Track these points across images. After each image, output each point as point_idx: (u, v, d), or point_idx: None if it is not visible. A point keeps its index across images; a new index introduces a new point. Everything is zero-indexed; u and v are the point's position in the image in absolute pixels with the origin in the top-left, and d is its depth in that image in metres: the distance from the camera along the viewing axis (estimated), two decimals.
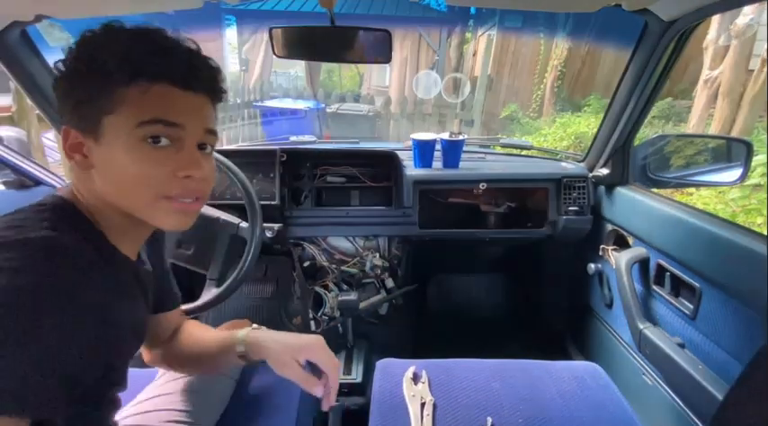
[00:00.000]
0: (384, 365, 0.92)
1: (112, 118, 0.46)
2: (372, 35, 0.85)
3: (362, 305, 1.37)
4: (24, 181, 1.23)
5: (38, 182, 1.23)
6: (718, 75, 4.04)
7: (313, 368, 0.64)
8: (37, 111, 1.35)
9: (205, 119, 0.51)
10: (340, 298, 1.30)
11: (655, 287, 1.05)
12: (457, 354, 0.95)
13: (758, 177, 2.67)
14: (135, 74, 0.45)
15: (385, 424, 0.77)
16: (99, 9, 0.86)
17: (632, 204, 1.16)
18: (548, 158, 1.56)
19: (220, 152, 1.13)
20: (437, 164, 1.40)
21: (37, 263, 0.40)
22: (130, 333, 0.56)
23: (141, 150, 0.47)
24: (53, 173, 1.28)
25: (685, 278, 0.93)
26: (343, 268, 1.42)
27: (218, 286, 1.07)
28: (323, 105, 6.04)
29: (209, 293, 1.05)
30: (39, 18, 0.86)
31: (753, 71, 3.90)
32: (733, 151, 1.14)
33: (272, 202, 1.23)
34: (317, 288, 1.43)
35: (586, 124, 5.23)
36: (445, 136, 1.37)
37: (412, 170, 1.34)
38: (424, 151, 1.37)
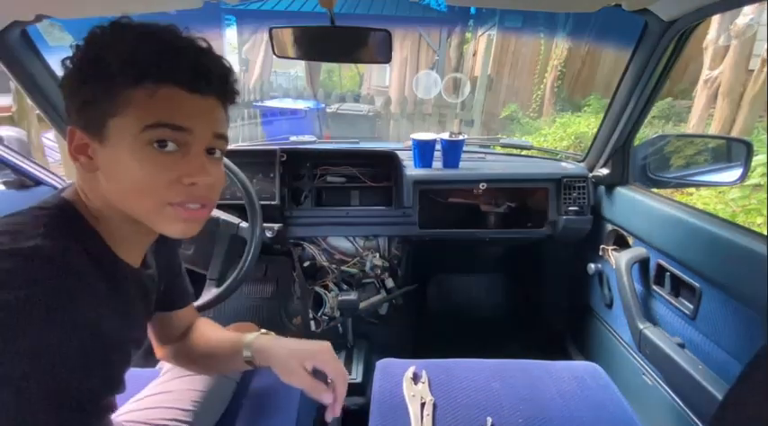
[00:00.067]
0: (384, 365, 0.92)
1: (117, 120, 0.44)
2: (372, 35, 0.85)
3: (362, 305, 1.37)
4: (24, 181, 1.23)
5: (38, 182, 1.23)
6: (718, 75, 4.04)
7: (319, 376, 0.62)
8: (37, 111, 1.35)
9: (214, 122, 0.49)
10: (340, 298, 1.30)
11: (655, 287, 1.05)
12: (457, 354, 0.95)
13: (758, 177, 2.67)
14: (140, 76, 0.44)
15: (385, 424, 0.77)
16: (99, 9, 0.86)
17: (632, 204, 1.16)
18: (548, 158, 1.56)
19: None
20: (437, 164, 1.40)
21: (24, 277, 0.39)
22: (127, 341, 0.55)
23: (147, 154, 0.45)
24: (53, 173, 1.28)
25: (685, 278, 0.93)
26: (343, 268, 1.42)
27: (218, 286, 1.07)
28: (323, 105, 6.04)
29: (209, 293, 1.06)
30: (39, 18, 0.86)
31: (753, 71, 3.90)
32: (733, 151, 1.14)
33: (272, 202, 1.23)
34: (317, 288, 1.43)
35: (586, 124, 5.23)
36: (445, 136, 1.37)
37: (412, 170, 1.34)
38: (424, 151, 1.37)
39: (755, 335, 0.76)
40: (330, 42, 0.89)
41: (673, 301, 0.98)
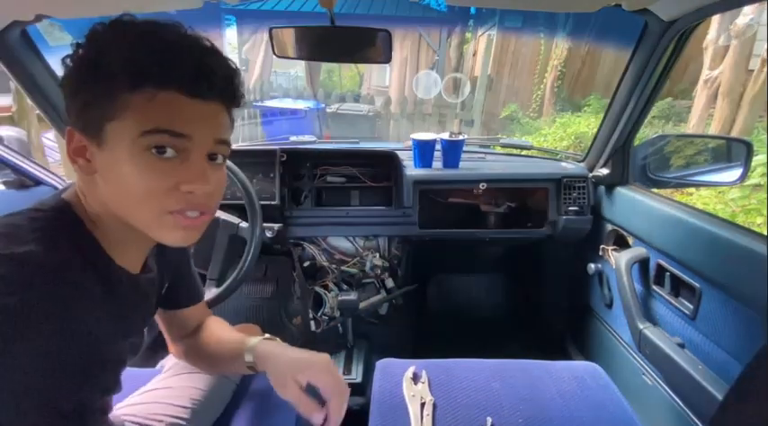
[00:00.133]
0: (384, 365, 0.92)
1: (116, 124, 0.43)
2: (372, 35, 0.85)
3: (362, 305, 1.37)
4: (24, 181, 1.23)
5: (38, 182, 1.23)
6: (718, 75, 4.04)
7: (315, 392, 0.58)
8: (37, 111, 1.35)
9: (216, 128, 0.48)
10: (340, 298, 1.30)
11: (655, 287, 1.05)
12: (457, 354, 0.95)
13: (758, 177, 2.67)
14: (139, 80, 0.42)
15: (385, 424, 0.77)
16: (99, 9, 0.86)
17: (632, 204, 1.16)
18: (548, 158, 1.56)
19: None
20: (437, 164, 1.40)
21: (18, 282, 0.39)
22: (124, 346, 0.54)
23: (145, 160, 0.43)
24: (53, 173, 1.28)
25: (685, 278, 0.93)
26: (343, 268, 1.42)
27: (217, 286, 1.07)
28: (323, 105, 6.04)
29: (208, 293, 1.05)
30: (39, 18, 0.86)
31: (753, 71, 3.90)
32: (733, 151, 1.14)
33: (272, 202, 1.23)
34: (317, 288, 1.43)
35: (586, 124, 5.23)
36: (445, 136, 1.37)
37: (412, 170, 1.34)
38: (423, 151, 1.37)
39: (755, 335, 0.76)
40: (330, 42, 0.89)
41: (673, 301, 0.98)
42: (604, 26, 5.39)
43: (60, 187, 1.05)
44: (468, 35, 7.43)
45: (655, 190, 1.19)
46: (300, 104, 5.89)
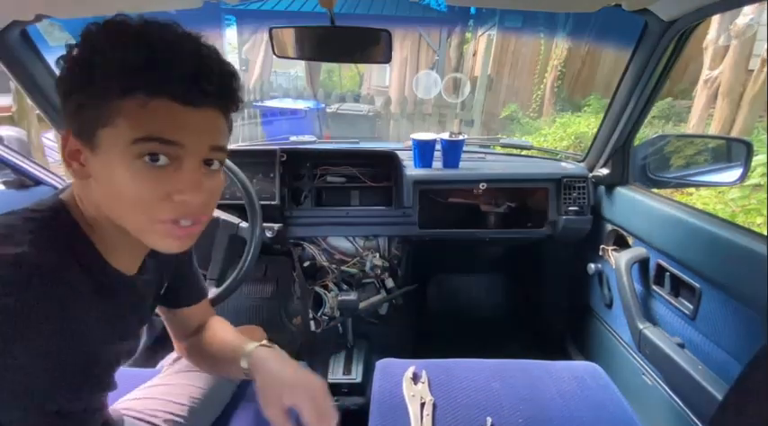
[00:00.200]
0: (384, 365, 0.92)
1: (108, 130, 0.42)
2: (372, 35, 0.85)
3: (362, 305, 1.37)
4: (24, 181, 1.23)
5: (38, 182, 1.23)
6: (718, 75, 4.04)
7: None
8: (37, 111, 1.35)
9: (210, 135, 0.46)
10: (340, 298, 1.30)
11: (655, 287, 1.05)
12: (457, 354, 0.95)
13: (758, 177, 2.67)
14: (131, 86, 0.41)
15: (385, 424, 0.77)
16: (99, 9, 0.86)
17: (632, 204, 1.16)
18: (548, 158, 1.56)
19: None
20: (437, 164, 1.40)
21: (11, 284, 0.38)
22: (117, 347, 0.54)
23: (138, 168, 0.42)
24: (53, 173, 1.28)
25: (685, 278, 0.93)
26: (343, 268, 1.42)
27: (217, 286, 1.07)
28: (323, 105, 6.04)
29: (208, 293, 1.05)
30: (39, 18, 0.86)
31: (753, 71, 3.90)
32: (733, 151, 1.14)
33: (272, 202, 1.23)
34: (317, 288, 1.43)
35: (586, 124, 5.23)
36: (445, 136, 1.37)
37: (412, 170, 1.34)
38: (423, 151, 1.37)
39: (755, 335, 0.76)
40: (330, 42, 0.89)
41: (672, 301, 0.98)
42: (604, 26, 5.40)
43: (60, 187, 1.05)
44: (468, 35, 7.43)
45: (655, 190, 1.19)
46: (300, 104, 5.89)
